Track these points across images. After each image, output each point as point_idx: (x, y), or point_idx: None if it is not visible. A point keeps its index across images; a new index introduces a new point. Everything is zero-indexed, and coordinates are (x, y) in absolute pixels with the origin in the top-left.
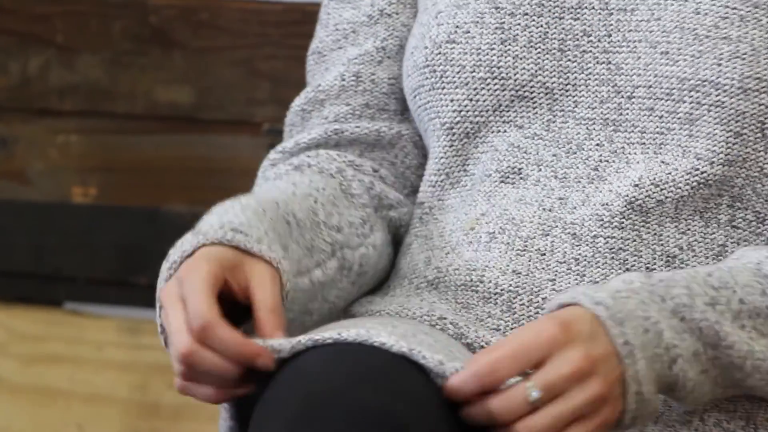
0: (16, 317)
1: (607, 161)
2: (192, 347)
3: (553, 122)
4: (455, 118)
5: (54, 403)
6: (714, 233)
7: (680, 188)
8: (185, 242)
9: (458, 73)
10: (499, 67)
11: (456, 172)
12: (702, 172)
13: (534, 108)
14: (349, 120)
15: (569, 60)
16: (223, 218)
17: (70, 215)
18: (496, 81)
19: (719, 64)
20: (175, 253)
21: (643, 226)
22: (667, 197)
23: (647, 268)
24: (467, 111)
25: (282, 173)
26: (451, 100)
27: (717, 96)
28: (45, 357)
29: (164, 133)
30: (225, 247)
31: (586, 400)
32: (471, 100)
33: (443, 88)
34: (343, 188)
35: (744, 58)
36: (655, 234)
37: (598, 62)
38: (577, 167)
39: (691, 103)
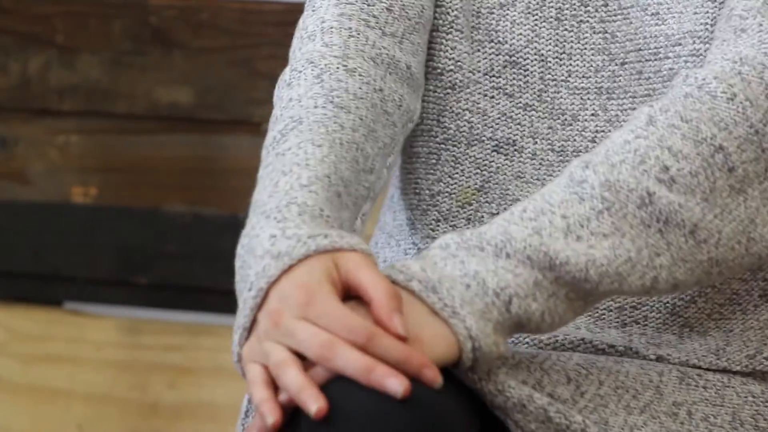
0: (16, 317)
1: (603, 131)
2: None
3: (545, 92)
4: (449, 65)
5: (54, 403)
6: None
7: None
8: (268, 268)
9: (458, 32)
10: (496, 31)
11: (429, 119)
12: None
13: (526, 76)
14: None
15: (566, 29)
16: (292, 229)
17: (70, 215)
18: (492, 45)
19: (696, 13)
20: (258, 281)
21: None
22: None
23: None
24: (464, 63)
25: (333, 69)
26: (452, 48)
27: (693, 44)
28: (45, 357)
29: (164, 133)
30: (316, 256)
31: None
32: (469, 54)
33: (449, 33)
34: (381, 105)
35: (714, 1)
36: None
37: (594, 32)
38: (574, 139)
39: (673, 58)
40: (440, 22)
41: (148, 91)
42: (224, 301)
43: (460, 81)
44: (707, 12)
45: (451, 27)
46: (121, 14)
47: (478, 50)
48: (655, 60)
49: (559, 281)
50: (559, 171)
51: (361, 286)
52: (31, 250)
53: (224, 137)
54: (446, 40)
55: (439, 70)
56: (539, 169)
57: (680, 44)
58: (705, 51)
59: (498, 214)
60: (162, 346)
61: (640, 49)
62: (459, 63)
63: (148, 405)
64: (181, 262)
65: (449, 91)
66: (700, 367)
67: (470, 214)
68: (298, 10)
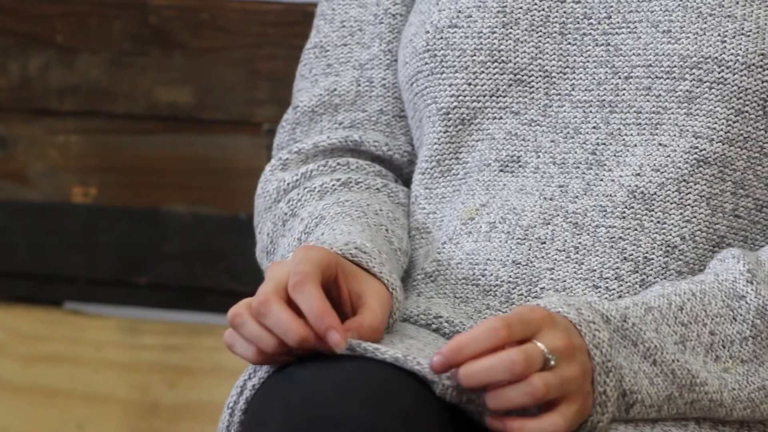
0: (16, 317)
1: (604, 144)
2: (237, 311)
3: (550, 107)
4: (452, 103)
5: (54, 403)
6: (718, 223)
7: (680, 167)
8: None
9: (458, 57)
10: (499, 51)
11: (447, 160)
12: (701, 150)
13: (531, 93)
14: (366, 125)
15: (569, 43)
16: (344, 236)
17: (70, 215)
18: (495, 65)
19: (723, 41)
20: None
21: (645, 214)
22: (668, 179)
23: (645, 257)
24: (465, 96)
25: (329, 188)
26: (450, 85)
27: (720, 72)
28: (45, 357)
29: (164, 133)
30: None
31: (574, 376)
32: (470, 84)
33: (443, 72)
34: (393, 200)
35: (749, 36)
36: (658, 222)
37: (597, 44)
38: (575, 152)
39: (691, 80)
40: (430, 65)
41: (148, 91)
42: (224, 301)
43: (466, 114)
44: (740, 44)
45: (442, 67)
46: (121, 14)
47: (482, 72)
48: (668, 78)
49: (696, 405)
50: (559, 183)
51: (366, 306)
52: (31, 250)
53: (224, 137)
54: (441, 79)
55: (445, 110)
56: (540, 181)
57: (700, 68)
58: (739, 82)
59: (494, 222)
60: (162, 346)
61: (649, 65)
62: (459, 97)
63: (148, 405)
64: (181, 262)
65: (460, 127)
66: None
67: (471, 228)
68: (298, 10)
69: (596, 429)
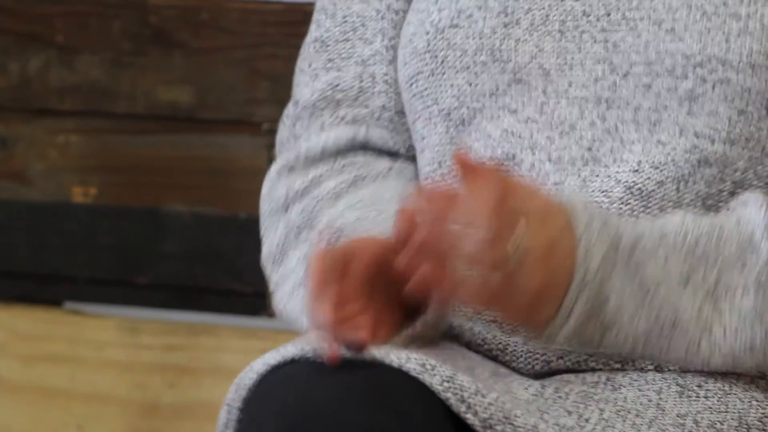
0: (16, 317)
1: (601, 140)
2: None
3: (547, 104)
4: (454, 104)
5: (54, 403)
6: None
7: (680, 167)
8: None
9: (460, 57)
10: (500, 51)
11: (449, 161)
12: (702, 150)
13: (529, 91)
14: (369, 121)
15: (568, 41)
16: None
17: (70, 215)
18: (496, 64)
19: (727, 41)
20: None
21: (642, 212)
22: (667, 177)
23: None
24: (466, 96)
25: (339, 192)
26: (451, 86)
27: (723, 72)
28: (45, 357)
29: (164, 133)
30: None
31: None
32: (470, 84)
33: (444, 73)
34: (402, 178)
35: (753, 35)
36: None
37: (595, 41)
38: (571, 148)
39: (694, 79)
40: (431, 66)
41: (148, 91)
42: (224, 301)
43: (466, 114)
44: (744, 43)
45: (443, 67)
46: (121, 14)
47: (483, 72)
48: (669, 77)
49: (672, 345)
50: (554, 181)
51: None
52: (31, 250)
53: (224, 137)
54: (442, 80)
55: (446, 111)
56: (536, 178)
57: (704, 67)
58: (743, 81)
59: None
60: (162, 346)
61: (650, 63)
62: (460, 97)
63: (148, 405)
64: (181, 262)
65: (461, 127)
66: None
67: None
68: (299, 10)
69: (568, 315)
